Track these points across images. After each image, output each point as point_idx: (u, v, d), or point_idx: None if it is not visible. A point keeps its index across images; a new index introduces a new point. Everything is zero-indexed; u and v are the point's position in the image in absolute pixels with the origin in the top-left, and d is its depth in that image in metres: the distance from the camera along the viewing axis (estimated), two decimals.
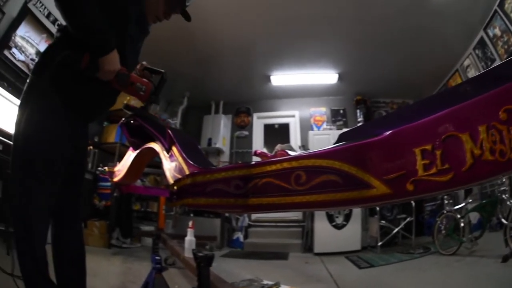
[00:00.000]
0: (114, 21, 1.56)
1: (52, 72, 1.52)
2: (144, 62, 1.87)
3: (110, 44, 1.46)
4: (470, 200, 4.53)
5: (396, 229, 5.44)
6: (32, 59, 4.38)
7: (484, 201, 4.36)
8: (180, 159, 1.32)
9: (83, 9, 1.38)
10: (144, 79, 1.72)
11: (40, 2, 4.53)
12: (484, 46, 4.92)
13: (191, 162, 1.25)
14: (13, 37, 4.13)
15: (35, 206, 1.48)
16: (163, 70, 1.75)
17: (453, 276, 3.37)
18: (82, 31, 1.44)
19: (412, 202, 5.36)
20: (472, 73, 5.38)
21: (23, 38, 4.28)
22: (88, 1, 1.39)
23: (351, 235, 5.46)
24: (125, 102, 2.33)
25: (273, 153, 1.22)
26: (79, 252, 1.75)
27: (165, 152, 1.48)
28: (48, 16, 4.65)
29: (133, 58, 1.83)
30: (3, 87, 3.92)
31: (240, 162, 5.41)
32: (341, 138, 0.84)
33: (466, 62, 5.47)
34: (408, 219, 5.49)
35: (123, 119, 1.88)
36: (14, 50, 4.15)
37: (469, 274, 3.34)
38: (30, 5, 4.34)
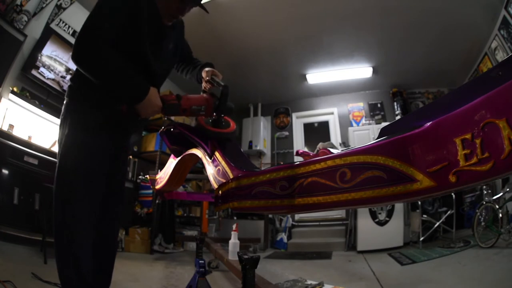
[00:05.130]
0: (134, 53, 1.58)
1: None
2: (207, 69, 1.78)
3: (141, 91, 1.45)
4: (508, 189, 4.32)
5: (438, 223, 5.29)
6: (62, 76, 4.58)
7: None
8: (223, 163, 1.32)
9: (102, 67, 1.41)
10: (202, 96, 1.66)
11: (63, 22, 4.72)
12: (508, 26, 4.68)
13: (234, 166, 1.26)
14: (39, 57, 4.32)
15: (78, 221, 1.52)
16: (223, 84, 1.65)
17: (492, 270, 3.27)
18: (111, 88, 1.49)
19: (452, 194, 5.18)
20: (500, 55, 5.13)
21: (50, 57, 4.49)
22: (104, 57, 1.41)
23: (393, 231, 5.34)
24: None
25: (315, 152, 1.21)
26: (108, 260, 1.76)
27: (207, 157, 1.49)
28: (74, 34, 4.84)
29: (165, 70, 1.85)
30: (35, 105, 4.13)
31: (282, 163, 5.40)
32: (382, 132, 0.83)
33: (494, 44, 5.23)
34: (449, 212, 5.32)
35: (163, 127, 1.88)
36: (42, 69, 4.35)
37: (507, 267, 3.24)
38: (53, 26, 4.56)
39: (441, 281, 3.17)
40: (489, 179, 0.63)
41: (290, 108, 8.63)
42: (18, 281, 2.25)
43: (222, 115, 1.66)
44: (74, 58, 1.42)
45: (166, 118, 5.45)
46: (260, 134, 8.02)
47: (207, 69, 1.79)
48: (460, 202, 5.75)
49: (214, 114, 1.64)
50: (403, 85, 7.43)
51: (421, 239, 5.02)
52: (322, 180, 0.90)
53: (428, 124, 0.70)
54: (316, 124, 8.40)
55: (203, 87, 1.81)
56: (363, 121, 7.78)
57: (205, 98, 1.63)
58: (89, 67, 1.43)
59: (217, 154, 1.41)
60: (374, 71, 6.96)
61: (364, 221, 5.55)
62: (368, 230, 5.45)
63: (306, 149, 5.57)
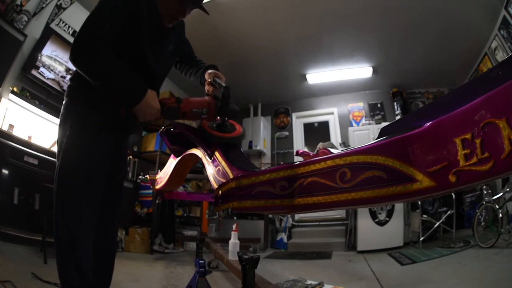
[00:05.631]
0: (133, 53, 1.57)
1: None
2: (210, 72, 1.77)
3: (140, 92, 1.44)
4: (508, 189, 4.32)
5: (438, 223, 5.29)
6: (62, 77, 4.58)
7: None
8: (223, 163, 1.32)
9: (101, 68, 1.39)
10: (203, 98, 1.61)
11: (63, 22, 4.72)
12: (508, 26, 4.68)
13: (234, 166, 1.25)
14: (39, 57, 4.32)
15: (78, 221, 1.51)
16: (224, 85, 1.60)
17: (492, 270, 3.26)
18: (109, 89, 1.47)
19: (452, 194, 5.18)
20: (500, 55, 5.13)
21: (50, 57, 4.48)
22: (104, 57, 1.39)
23: (393, 231, 5.34)
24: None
25: (315, 152, 1.21)
26: (108, 260, 1.73)
27: (207, 157, 1.48)
28: (74, 34, 4.82)
29: (164, 70, 1.83)
30: (35, 105, 4.13)
31: (282, 163, 5.39)
32: (382, 132, 0.83)
33: (494, 44, 5.23)
34: (449, 212, 5.32)
35: (163, 127, 1.86)
36: (42, 69, 4.34)
37: (507, 267, 3.24)
38: (53, 25, 4.56)
39: (441, 281, 3.17)
40: (489, 179, 0.63)
41: (290, 108, 8.64)
42: (18, 281, 2.25)
43: (226, 118, 1.61)
44: (73, 58, 1.40)
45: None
46: (260, 134, 8.01)
47: (209, 71, 1.79)
48: (460, 202, 5.75)
49: (218, 118, 1.60)
50: (403, 85, 7.43)
51: (421, 239, 5.02)
52: (322, 180, 0.90)
53: (428, 124, 0.69)
54: (316, 124, 8.40)
55: (206, 90, 1.80)
56: (363, 121, 7.78)
57: (207, 101, 1.58)
58: (88, 67, 1.41)
59: (217, 154, 1.40)
60: (374, 71, 6.96)
61: (364, 221, 5.55)
62: (368, 230, 5.45)
63: (306, 149, 5.57)
